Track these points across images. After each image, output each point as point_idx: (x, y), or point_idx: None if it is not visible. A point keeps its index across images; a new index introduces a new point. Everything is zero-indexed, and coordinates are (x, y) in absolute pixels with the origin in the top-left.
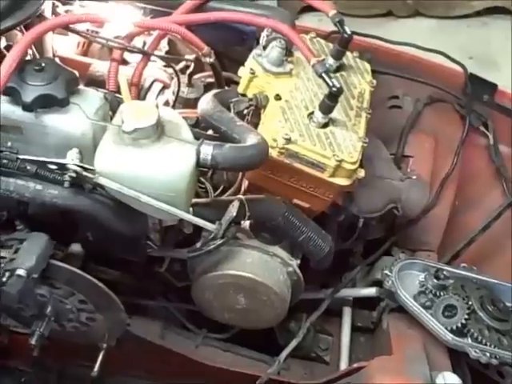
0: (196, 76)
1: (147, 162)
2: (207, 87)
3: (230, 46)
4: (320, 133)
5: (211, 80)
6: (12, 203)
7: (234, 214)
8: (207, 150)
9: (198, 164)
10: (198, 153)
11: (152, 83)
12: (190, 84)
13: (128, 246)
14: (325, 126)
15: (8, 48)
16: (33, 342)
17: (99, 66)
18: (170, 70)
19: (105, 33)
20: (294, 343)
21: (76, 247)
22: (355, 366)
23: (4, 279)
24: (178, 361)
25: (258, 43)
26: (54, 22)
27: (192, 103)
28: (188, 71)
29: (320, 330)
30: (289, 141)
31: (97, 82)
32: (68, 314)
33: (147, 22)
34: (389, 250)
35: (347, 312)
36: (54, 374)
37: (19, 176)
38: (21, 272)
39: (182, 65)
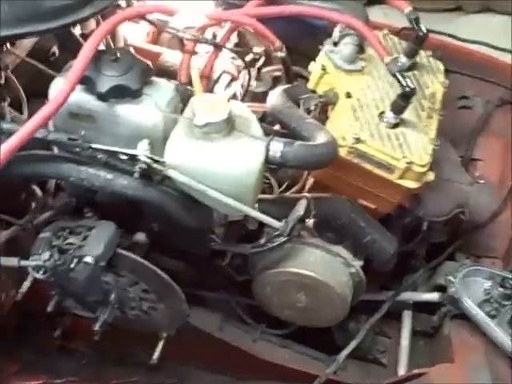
0: (264, 70)
1: (217, 157)
2: (275, 81)
3: (299, 39)
4: (390, 133)
5: (278, 74)
6: (81, 191)
7: (302, 212)
8: (277, 147)
9: (267, 160)
10: (268, 149)
11: (220, 75)
12: (258, 77)
13: (192, 239)
14: (395, 126)
15: (83, 36)
16: (97, 327)
17: (169, 57)
18: (238, 63)
19: (176, 23)
20: (353, 344)
21: (140, 236)
22: (416, 371)
23: (72, 265)
24: (236, 354)
25: (328, 37)
26: (130, 12)
27: (260, 97)
28: (257, 64)
29: (378, 331)
30: (358, 140)
31: (166, 73)
32: (131, 302)
33: (220, 14)
34: (452, 255)
35: (407, 315)
36: (113, 357)
37: (90, 164)
38: (89, 259)
39: (249, 58)
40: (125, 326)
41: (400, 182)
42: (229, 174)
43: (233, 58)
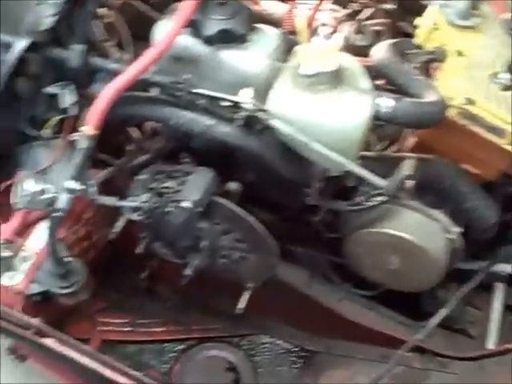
0: (365, 23)
1: (323, 109)
2: (376, 36)
3: None
4: (503, 96)
5: (379, 28)
6: (178, 135)
7: (408, 172)
8: (386, 103)
9: (375, 116)
10: (377, 105)
11: (317, 27)
12: (359, 30)
13: (288, 191)
14: (508, 88)
15: None
16: (187, 272)
17: (267, 5)
18: (336, 15)
19: None
20: (443, 312)
21: (233, 185)
22: (508, 346)
23: (169, 209)
24: (320, 312)
25: None
26: None
27: (361, 51)
28: (358, 17)
29: (468, 302)
30: (470, 101)
31: (265, 21)
32: (222, 250)
33: None
34: None
35: (499, 288)
36: (196, 304)
37: (191, 110)
38: (186, 204)
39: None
40: (212, 274)
41: (510, 147)
42: (334, 128)
43: (331, 9)
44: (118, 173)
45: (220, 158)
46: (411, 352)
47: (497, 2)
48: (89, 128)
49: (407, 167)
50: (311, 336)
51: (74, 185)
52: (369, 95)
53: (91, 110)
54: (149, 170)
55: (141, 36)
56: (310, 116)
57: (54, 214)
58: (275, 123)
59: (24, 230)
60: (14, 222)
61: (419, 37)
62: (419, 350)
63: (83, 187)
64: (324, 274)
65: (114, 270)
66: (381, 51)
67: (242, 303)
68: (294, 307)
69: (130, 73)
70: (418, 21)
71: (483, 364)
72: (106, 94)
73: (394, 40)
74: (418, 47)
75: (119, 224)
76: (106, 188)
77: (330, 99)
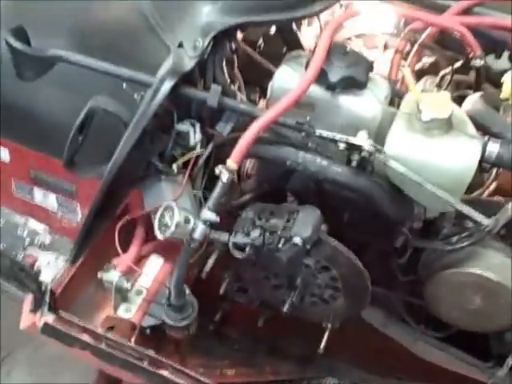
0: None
1: (437, 151)
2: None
3: None
4: None
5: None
6: (273, 178)
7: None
8: (494, 148)
9: (483, 159)
10: (485, 148)
11: None
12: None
13: (384, 230)
14: None
15: None
16: (285, 309)
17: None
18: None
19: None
20: None
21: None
22: None
23: (280, 245)
24: (395, 352)
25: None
26: (352, 12)
27: None
28: (441, 73)
29: None
30: None
31: None
32: (315, 288)
33: (430, 17)
34: None
35: None
36: (263, 347)
37: (306, 150)
38: (297, 240)
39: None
40: (295, 314)
41: None
42: (446, 169)
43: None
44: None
45: (315, 201)
46: None
47: None
48: (232, 163)
49: (510, 209)
50: (381, 379)
51: (212, 216)
52: (478, 140)
53: (236, 147)
54: (253, 207)
55: (248, 81)
56: (425, 157)
57: (190, 245)
58: (391, 163)
59: (138, 262)
60: (131, 254)
61: (505, 91)
62: None
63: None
64: (398, 315)
65: None
66: (473, 102)
67: (322, 343)
68: (367, 348)
69: (269, 115)
70: (504, 77)
71: None
72: (250, 133)
73: (482, 92)
74: (504, 100)
75: (210, 262)
76: None
77: (444, 143)
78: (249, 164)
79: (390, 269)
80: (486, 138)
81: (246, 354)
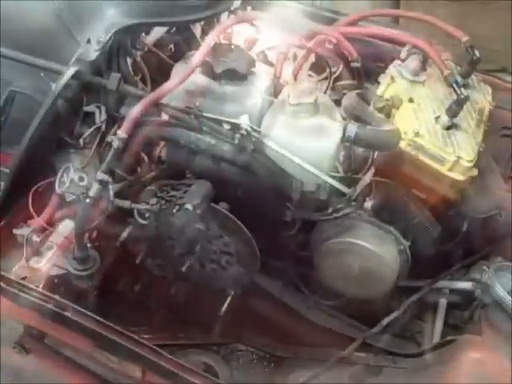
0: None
1: (303, 131)
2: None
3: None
4: (444, 133)
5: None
6: (180, 160)
7: (368, 180)
8: (352, 128)
9: (343, 139)
10: (345, 129)
11: None
12: (332, 88)
13: (271, 204)
14: (448, 128)
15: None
16: (183, 269)
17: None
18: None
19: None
20: (395, 314)
21: (223, 205)
22: (448, 338)
23: (174, 211)
24: (291, 318)
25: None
26: (241, 17)
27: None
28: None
29: (417, 316)
30: (417, 134)
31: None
32: (212, 254)
33: (317, 27)
34: (486, 257)
35: (442, 303)
36: (181, 316)
37: (198, 131)
38: (188, 206)
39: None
40: (200, 281)
41: (449, 173)
42: (312, 146)
43: (309, 75)
44: (128, 188)
45: (214, 181)
46: (367, 353)
47: (441, 62)
48: (121, 132)
49: (366, 179)
50: (281, 344)
51: (105, 177)
52: (339, 123)
53: (125, 120)
54: (156, 182)
55: (157, 79)
56: (294, 136)
57: (85, 201)
58: (266, 141)
59: (51, 224)
60: (45, 215)
61: (380, 89)
62: (374, 351)
63: (110, 180)
64: (295, 286)
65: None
66: (349, 97)
67: (223, 307)
68: (268, 316)
69: (152, 96)
70: (380, 77)
71: (427, 358)
72: (136, 108)
73: (359, 90)
74: (380, 96)
75: (124, 234)
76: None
77: (309, 124)
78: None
79: (284, 242)
80: (347, 121)
81: (162, 322)
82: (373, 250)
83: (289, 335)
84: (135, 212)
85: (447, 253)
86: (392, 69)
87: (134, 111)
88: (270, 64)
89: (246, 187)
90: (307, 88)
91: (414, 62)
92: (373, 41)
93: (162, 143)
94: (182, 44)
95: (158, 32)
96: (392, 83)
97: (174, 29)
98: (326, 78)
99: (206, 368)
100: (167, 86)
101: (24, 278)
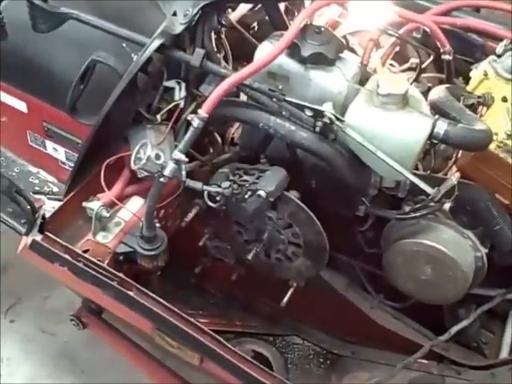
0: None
1: (390, 123)
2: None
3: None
4: None
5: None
6: (254, 144)
7: (455, 182)
8: (442, 125)
9: (432, 135)
10: (434, 125)
11: None
12: (417, 80)
13: (346, 198)
14: None
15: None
16: (249, 257)
17: None
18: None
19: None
20: (464, 323)
21: (294, 193)
22: None
23: (246, 196)
24: (353, 315)
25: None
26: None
27: None
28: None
29: (485, 325)
30: (509, 136)
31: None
32: (279, 244)
33: (408, 14)
34: None
35: None
36: (238, 304)
37: (278, 115)
38: (261, 193)
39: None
40: (263, 270)
41: None
42: (398, 140)
43: (391, 64)
44: (200, 168)
45: (289, 167)
46: (430, 360)
47: None
48: (203, 112)
49: (452, 179)
50: (340, 342)
51: (182, 157)
52: (429, 117)
53: (207, 100)
54: (229, 166)
55: (238, 57)
56: (379, 128)
57: (160, 180)
58: (349, 131)
59: (121, 200)
60: (116, 189)
61: (471, 85)
62: (438, 358)
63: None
64: (361, 284)
65: (170, 265)
66: (438, 91)
67: (285, 298)
68: (329, 311)
69: (237, 76)
70: (472, 72)
71: (494, 372)
72: (220, 87)
73: (449, 85)
74: (470, 93)
75: (190, 214)
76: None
77: (398, 116)
78: (234, 131)
79: (354, 238)
80: (437, 117)
81: (220, 307)
82: (448, 255)
83: (349, 333)
84: (205, 194)
85: None
86: (486, 64)
87: (218, 91)
88: (352, 50)
89: (321, 177)
90: (398, 78)
91: (510, 59)
92: (460, 32)
93: (236, 125)
94: (265, 23)
95: (241, 10)
96: (485, 80)
97: (259, 6)
98: (409, 69)
99: (260, 359)
100: (252, 66)
101: (86, 251)
